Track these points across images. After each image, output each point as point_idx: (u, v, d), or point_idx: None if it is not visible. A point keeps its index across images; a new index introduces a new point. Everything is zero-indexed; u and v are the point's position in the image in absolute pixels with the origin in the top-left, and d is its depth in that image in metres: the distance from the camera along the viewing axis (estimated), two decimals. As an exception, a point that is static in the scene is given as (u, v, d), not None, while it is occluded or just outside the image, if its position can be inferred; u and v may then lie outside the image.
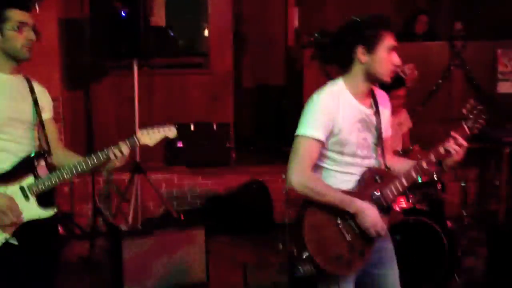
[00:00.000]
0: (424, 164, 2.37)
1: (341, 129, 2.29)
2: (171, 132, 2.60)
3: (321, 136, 2.27)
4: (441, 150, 2.36)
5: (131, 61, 4.93)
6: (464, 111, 2.40)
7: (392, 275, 2.49)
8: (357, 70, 2.33)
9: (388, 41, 2.28)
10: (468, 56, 5.94)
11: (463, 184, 4.55)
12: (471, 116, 2.38)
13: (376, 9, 7.14)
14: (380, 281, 2.47)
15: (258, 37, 6.98)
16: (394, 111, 4.52)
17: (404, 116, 4.82)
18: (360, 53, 2.28)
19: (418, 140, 4.87)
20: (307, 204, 2.31)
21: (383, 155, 2.45)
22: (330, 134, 2.29)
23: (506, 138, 5.40)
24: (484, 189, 5.81)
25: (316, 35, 5.08)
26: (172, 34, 6.55)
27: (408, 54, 5.95)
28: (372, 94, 2.43)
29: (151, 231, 3.80)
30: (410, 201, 3.98)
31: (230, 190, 5.56)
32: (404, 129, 4.77)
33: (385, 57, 2.28)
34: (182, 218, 4.56)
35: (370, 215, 2.26)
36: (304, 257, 2.26)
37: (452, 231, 3.83)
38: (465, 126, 2.37)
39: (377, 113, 2.41)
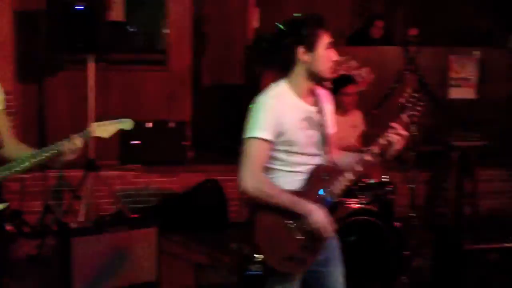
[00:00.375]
0: (368, 157, 2.43)
1: (287, 129, 2.34)
2: (127, 124, 2.61)
3: (269, 136, 2.32)
4: (383, 141, 2.43)
5: (87, 56, 4.86)
6: (401, 100, 2.48)
7: (337, 273, 2.54)
8: (299, 70, 2.38)
9: (326, 38, 2.36)
10: (421, 61, 6.09)
11: (411, 186, 4.65)
12: (409, 105, 2.47)
13: (334, 12, 7.29)
14: (325, 279, 2.52)
15: (218, 36, 6.98)
16: (347, 110, 4.65)
17: (358, 118, 4.91)
18: (301, 53, 2.34)
19: (372, 142, 4.97)
20: (258, 206, 2.35)
21: (329, 151, 2.50)
22: (278, 134, 2.34)
23: (456, 142, 5.57)
24: (434, 192, 5.97)
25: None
26: (132, 29, 6.48)
27: (364, 58, 6.12)
28: (314, 92, 2.49)
29: (101, 229, 3.75)
30: (361, 202, 4.07)
31: (185, 189, 5.55)
32: (358, 131, 4.85)
33: (325, 54, 2.35)
34: (134, 216, 4.52)
35: (318, 216, 2.31)
36: (257, 259, 2.29)
37: (399, 232, 3.93)
38: (404, 115, 2.46)
39: (320, 110, 2.46)
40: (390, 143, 2.42)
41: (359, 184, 4.17)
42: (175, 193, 5.55)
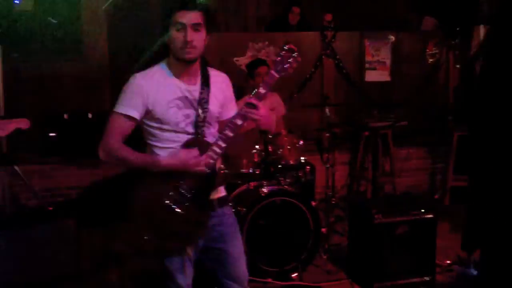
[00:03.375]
0: (238, 121, 2.43)
1: (155, 107, 2.42)
2: (23, 123, 2.88)
3: (132, 113, 2.41)
4: (252, 101, 2.43)
5: (-5, 47, 4.69)
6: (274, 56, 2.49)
7: (235, 249, 2.59)
8: (170, 50, 2.45)
9: (176, 19, 2.36)
10: (338, 46, 6.27)
11: (327, 166, 4.81)
12: (279, 59, 2.43)
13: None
14: (222, 256, 2.56)
15: (136, 24, 6.87)
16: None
17: (276, 101, 5.01)
18: (166, 35, 2.42)
19: (293, 125, 5.10)
20: (132, 190, 2.41)
21: (212, 127, 2.54)
22: (146, 111, 2.43)
23: (372, 123, 5.80)
24: (353, 172, 6.19)
25: None
26: (44, 20, 6.26)
27: (283, 43, 6.20)
28: (203, 73, 2.52)
29: (16, 224, 3.66)
30: (279, 183, 4.17)
31: (107, 180, 5.48)
32: (278, 115, 4.95)
33: (175, 35, 2.38)
34: (51, 209, 4.44)
35: (179, 158, 2.39)
36: (143, 240, 2.32)
37: (316, 210, 4.06)
38: (273, 72, 2.43)
39: (205, 89, 2.49)
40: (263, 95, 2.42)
41: (278, 166, 4.27)
42: (98, 184, 5.46)
